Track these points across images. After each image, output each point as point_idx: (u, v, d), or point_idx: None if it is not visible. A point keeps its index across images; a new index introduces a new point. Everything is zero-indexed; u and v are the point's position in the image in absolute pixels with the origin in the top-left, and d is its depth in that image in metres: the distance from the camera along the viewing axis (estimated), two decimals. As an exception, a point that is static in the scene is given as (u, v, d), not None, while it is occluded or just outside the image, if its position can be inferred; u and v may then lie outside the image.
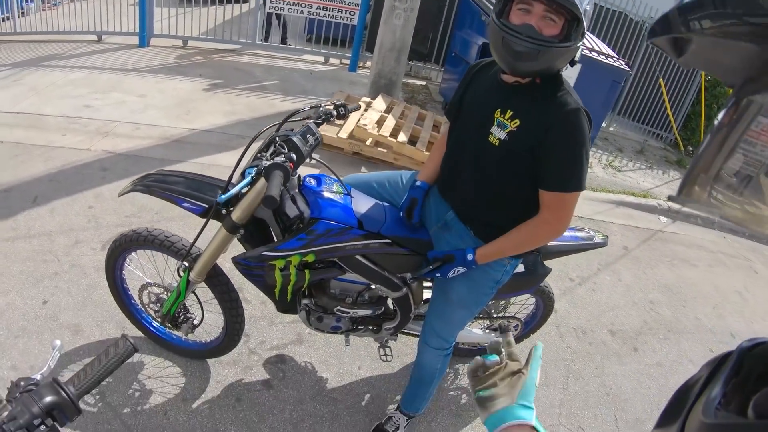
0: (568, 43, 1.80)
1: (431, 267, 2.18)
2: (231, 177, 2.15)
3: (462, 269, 2.15)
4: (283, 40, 8.86)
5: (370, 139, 5.41)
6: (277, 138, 2.09)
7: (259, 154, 2.10)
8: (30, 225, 3.84)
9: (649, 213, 6.15)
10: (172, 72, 7.21)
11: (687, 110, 9.85)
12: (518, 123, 1.92)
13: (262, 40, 8.66)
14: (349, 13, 8.04)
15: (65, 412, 1.01)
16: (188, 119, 5.84)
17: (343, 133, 5.40)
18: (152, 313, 2.77)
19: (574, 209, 1.99)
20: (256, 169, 1.99)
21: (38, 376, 1.06)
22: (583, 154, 1.87)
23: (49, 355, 1.12)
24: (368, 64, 8.45)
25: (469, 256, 2.11)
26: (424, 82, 8.47)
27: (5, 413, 0.95)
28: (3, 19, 8.66)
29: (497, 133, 1.96)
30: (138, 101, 6.13)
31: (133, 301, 2.88)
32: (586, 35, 1.88)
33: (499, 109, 1.97)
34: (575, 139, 1.86)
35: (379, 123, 5.68)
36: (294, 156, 2.01)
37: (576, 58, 1.89)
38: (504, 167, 2.01)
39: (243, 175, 2.05)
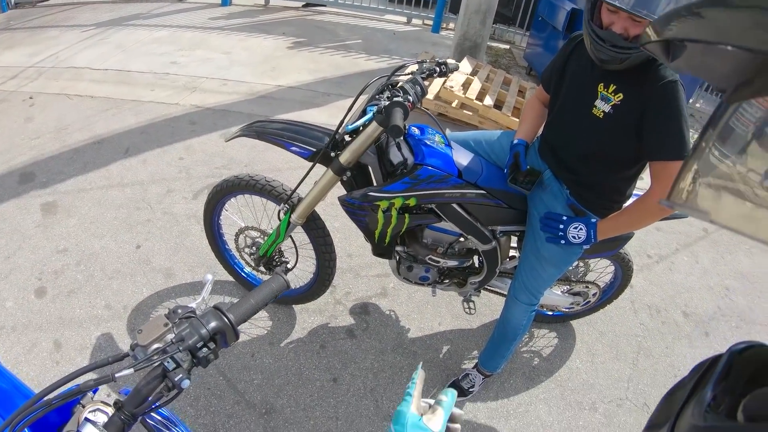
0: None
1: (564, 218, 2.19)
2: (342, 123, 2.19)
3: (582, 228, 2.16)
4: None
5: (456, 101, 5.27)
6: (389, 86, 2.16)
7: (376, 96, 2.16)
8: (123, 174, 3.93)
9: (732, 196, 5.82)
10: (255, 30, 7.24)
11: (776, 89, 9.10)
12: (621, 97, 1.96)
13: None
14: (433, -27, 7.83)
15: (226, 337, 1.04)
16: (273, 76, 5.85)
17: (429, 95, 5.25)
18: (246, 257, 2.81)
19: None
20: (377, 107, 2.05)
21: (193, 305, 1.10)
22: (682, 123, 1.88)
23: (197, 289, 1.11)
24: (451, 25, 8.25)
25: (592, 231, 2.16)
26: (507, 46, 8.18)
27: (170, 335, 1.00)
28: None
29: (601, 106, 2.02)
30: (223, 58, 6.19)
31: (227, 247, 2.92)
32: None
33: (602, 83, 2.01)
34: (672, 110, 1.88)
35: (465, 85, 5.51)
36: (410, 98, 2.06)
37: None
38: (607, 137, 2.06)
39: (364, 112, 2.14)
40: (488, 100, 5.34)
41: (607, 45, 1.84)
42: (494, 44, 8.07)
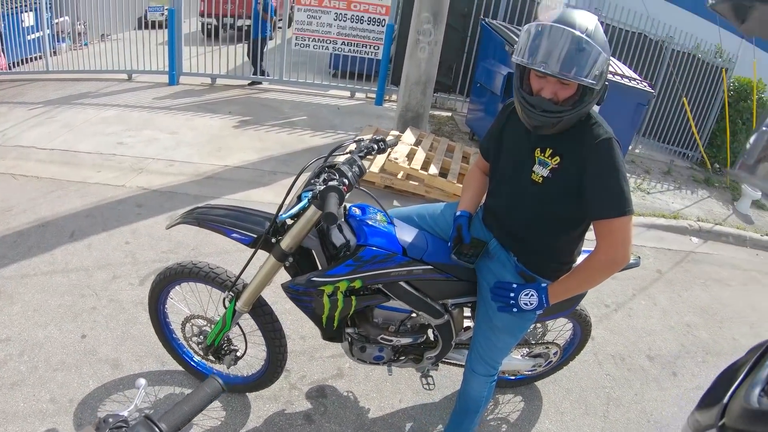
0: (581, 105, 1.87)
1: (514, 286, 2.16)
2: (281, 207, 2.18)
3: (533, 294, 2.13)
4: (263, 72, 8.89)
5: (402, 173, 5.41)
6: (326, 168, 2.16)
7: (312, 181, 2.15)
8: (67, 260, 3.87)
9: (680, 234, 6.08)
10: (202, 109, 7.35)
11: (712, 127, 9.57)
12: (558, 160, 1.99)
13: (264, 73, 8.83)
14: (374, 48, 8.15)
15: None
16: (220, 156, 5.91)
17: (375, 167, 5.39)
18: (194, 346, 2.75)
19: (629, 237, 1.96)
20: (312, 192, 2.04)
21: (125, 413, 1.07)
22: (620, 180, 1.90)
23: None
24: (393, 97, 8.53)
25: (543, 296, 2.14)
26: (449, 113, 8.50)
27: None
28: (36, 58, 8.94)
29: (540, 171, 2.03)
30: (170, 138, 6.24)
31: (174, 336, 2.87)
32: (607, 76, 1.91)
33: (538, 148, 2.04)
34: (610, 168, 1.90)
35: (410, 156, 5.68)
36: (346, 181, 2.07)
37: (603, 97, 1.95)
38: (548, 202, 2.07)
39: (299, 199, 2.11)
40: (433, 169, 5.51)
41: (538, 111, 1.87)
42: (436, 112, 8.36)
